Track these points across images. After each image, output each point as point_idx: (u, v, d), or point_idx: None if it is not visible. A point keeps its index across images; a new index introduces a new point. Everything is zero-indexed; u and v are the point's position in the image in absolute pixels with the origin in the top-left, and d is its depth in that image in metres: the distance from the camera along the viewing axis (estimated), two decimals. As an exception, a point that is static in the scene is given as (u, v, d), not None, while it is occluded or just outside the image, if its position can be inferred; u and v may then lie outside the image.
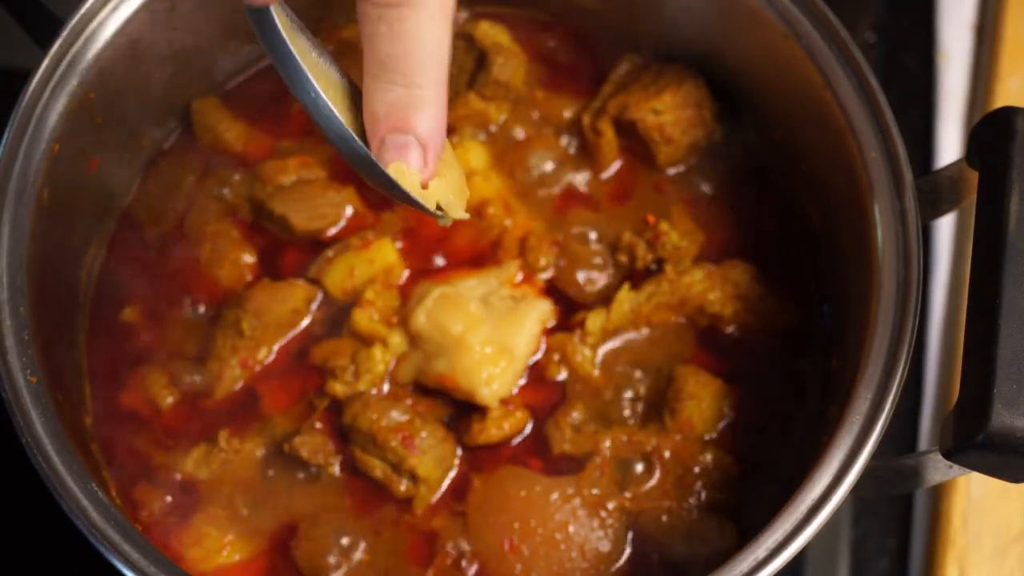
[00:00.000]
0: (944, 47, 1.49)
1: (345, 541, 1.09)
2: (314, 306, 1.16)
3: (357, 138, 0.87)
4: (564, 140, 1.22)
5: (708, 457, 1.10)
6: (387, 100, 0.85)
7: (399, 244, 1.17)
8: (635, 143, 1.21)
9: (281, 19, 0.83)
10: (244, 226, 1.19)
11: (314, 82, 0.85)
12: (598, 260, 1.18)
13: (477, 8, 1.25)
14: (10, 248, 1.03)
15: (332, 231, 1.17)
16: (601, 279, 1.17)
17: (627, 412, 1.13)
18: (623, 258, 1.17)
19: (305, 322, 1.15)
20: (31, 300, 1.03)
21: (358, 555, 1.09)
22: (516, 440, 1.12)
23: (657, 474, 1.10)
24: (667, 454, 1.10)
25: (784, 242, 1.19)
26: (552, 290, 1.16)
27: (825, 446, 0.99)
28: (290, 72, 0.85)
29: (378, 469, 1.09)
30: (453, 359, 1.10)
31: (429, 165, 0.87)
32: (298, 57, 0.84)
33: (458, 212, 0.91)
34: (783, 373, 1.15)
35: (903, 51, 1.51)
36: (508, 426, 1.11)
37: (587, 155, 1.22)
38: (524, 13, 1.27)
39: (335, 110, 0.86)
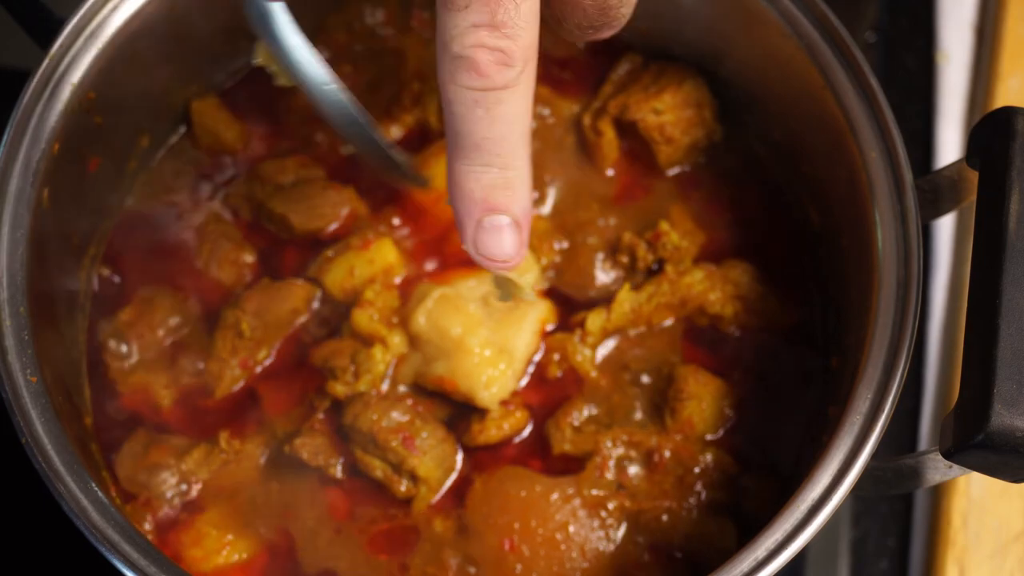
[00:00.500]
0: (944, 47, 1.49)
1: (345, 541, 1.09)
2: (314, 306, 1.16)
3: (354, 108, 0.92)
4: (564, 140, 1.22)
5: (708, 457, 1.10)
6: (483, 182, 0.87)
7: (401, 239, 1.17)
8: (636, 143, 1.21)
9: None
10: (244, 226, 1.19)
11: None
12: (598, 260, 1.18)
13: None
14: (10, 248, 1.03)
15: (331, 230, 1.17)
16: (601, 279, 1.17)
17: (627, 412, 1.13)
18: (623, 258, 1.17)
19: (305, 322, 1.15)
20: (31, 300, 1.03)
21: (358, 555, 1.09)
22: (516, 440, 1.12)
23: (657, 474, 1.10)
24: (667, 454, 1.10)
25: (784, 242, 1.19)
26: (552, 290, 1.16)
27: (825, 446, 0.99)
28: (294, 53, 0.88)
29: (378, 469, 1.09)
30: (452, 362, 1.10)
31: (525, 242, 0.91)
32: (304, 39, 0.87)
33: (528, 293, 1.00)
34: (783, 373, 1.15)
35: (903, 51, 1.51)
36: (508, 426, 1.11)
37: (588, 155, 1.22)
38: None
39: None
